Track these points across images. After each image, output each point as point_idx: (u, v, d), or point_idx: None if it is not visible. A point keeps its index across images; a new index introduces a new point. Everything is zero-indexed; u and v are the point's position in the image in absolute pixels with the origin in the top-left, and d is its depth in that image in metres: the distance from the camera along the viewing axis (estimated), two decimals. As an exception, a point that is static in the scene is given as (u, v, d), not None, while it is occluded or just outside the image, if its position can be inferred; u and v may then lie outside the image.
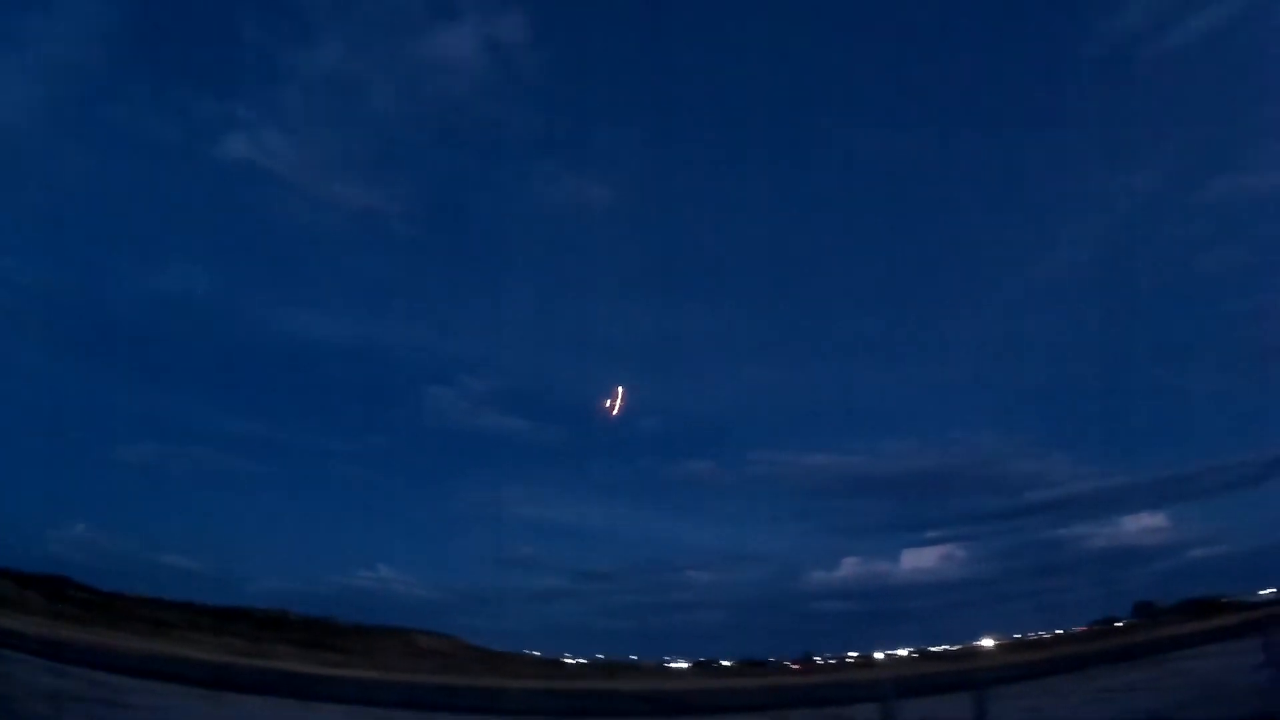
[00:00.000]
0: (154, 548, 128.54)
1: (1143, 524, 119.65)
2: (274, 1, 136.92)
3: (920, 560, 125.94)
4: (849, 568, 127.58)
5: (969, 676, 24.78)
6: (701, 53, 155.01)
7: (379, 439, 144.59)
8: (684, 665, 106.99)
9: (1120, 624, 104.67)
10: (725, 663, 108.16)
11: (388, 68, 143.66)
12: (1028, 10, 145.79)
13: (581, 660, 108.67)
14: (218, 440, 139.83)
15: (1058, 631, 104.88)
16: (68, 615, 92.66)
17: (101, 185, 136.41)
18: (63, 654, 48.15)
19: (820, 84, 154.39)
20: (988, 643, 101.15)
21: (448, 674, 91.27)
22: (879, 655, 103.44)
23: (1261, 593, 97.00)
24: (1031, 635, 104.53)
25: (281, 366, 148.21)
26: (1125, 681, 42.55)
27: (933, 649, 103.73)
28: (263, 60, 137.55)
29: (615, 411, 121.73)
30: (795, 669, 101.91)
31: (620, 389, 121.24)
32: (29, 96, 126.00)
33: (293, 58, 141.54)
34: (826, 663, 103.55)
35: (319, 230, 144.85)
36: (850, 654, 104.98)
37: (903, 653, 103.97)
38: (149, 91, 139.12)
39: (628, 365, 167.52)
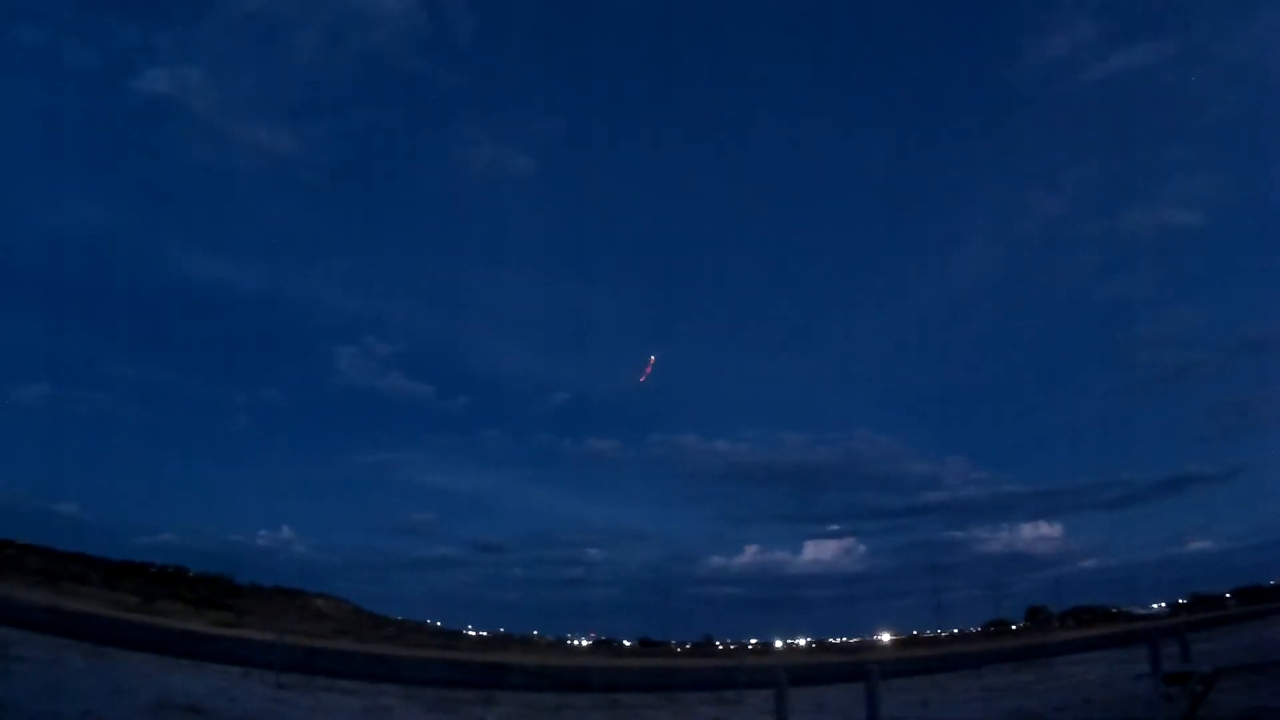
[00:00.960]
0: (46, 495, 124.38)
1: (1037, 532, 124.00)
2: None
3: (820, 552, 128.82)
4: (750, 555, 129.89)
5: (863, 668, 25.33)
6: (634, 31, 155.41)
7: (280, 394, 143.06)
8: (584, 642, 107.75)
9: (1014, 627, 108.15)
10: (626, 642, 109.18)
11: (315, 13, 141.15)
12: (962, 27, 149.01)
13: (483, 633, 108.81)
14: (116, 385, 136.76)
15: (953, 630, 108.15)
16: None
17: (7, 109, 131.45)
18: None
19: (749, 75, 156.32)
20: (884, 637, 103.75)
21: (344, 639, 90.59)
22: (778, 643, 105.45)
23: (1154, 605, 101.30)
24: (926, 633, 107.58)
25: (185, 312, 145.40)
26: (1012, 681, 43.91)
27: (830, 640, 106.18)
28: None
29: (643, 378, 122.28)
30: (693, 652, 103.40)
31: (653, 358, 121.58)
32: None
33: None
34: (726, 647, 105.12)
35: (231, 173, 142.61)
36: (750, 640, 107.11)
37: (800, 642, 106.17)
38: (72, 14, 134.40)
39: (536, 339, 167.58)
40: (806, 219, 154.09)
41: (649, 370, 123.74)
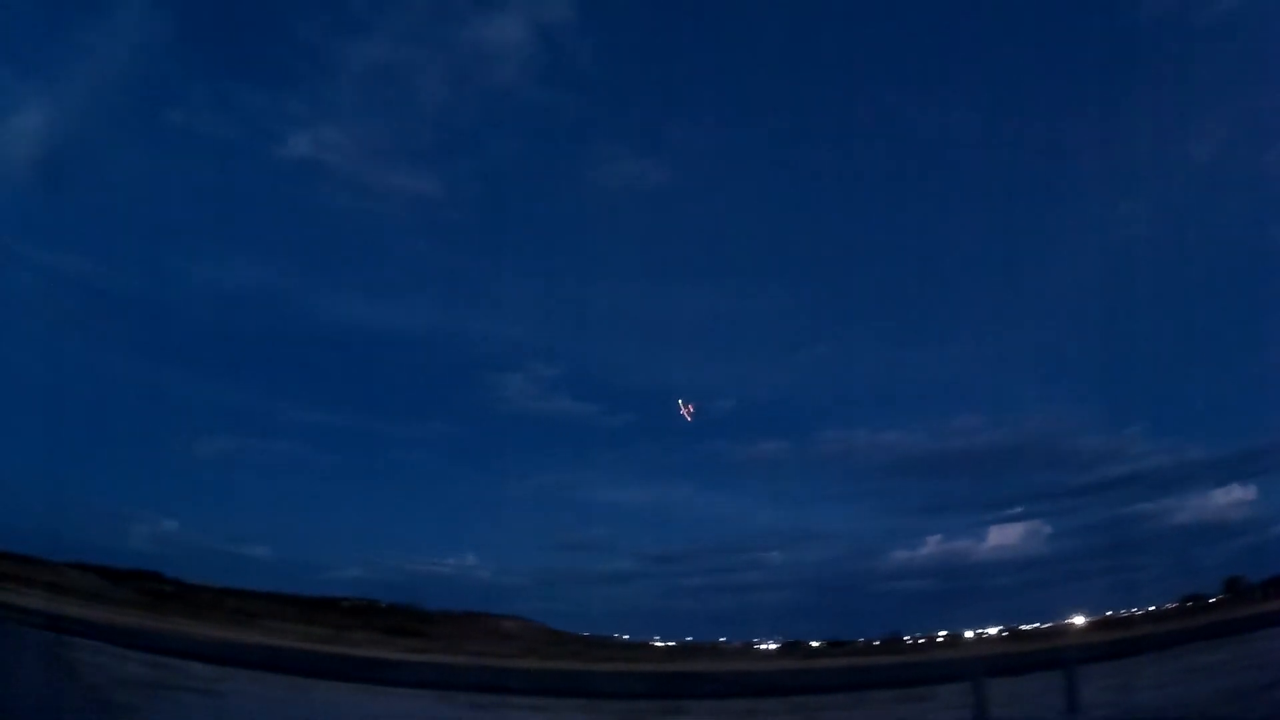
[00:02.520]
0: (238, 539, 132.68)
1: (1230, 497, 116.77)
2: None
3: (1004, 537, 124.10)
4: (932, 546, 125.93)
5: (1058, 655, 25.13)
6: (752, 30, 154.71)
7: (451, 426, 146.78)
8: (771, 646, 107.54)
9: (1211, 600, 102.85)
10: (813, 643, 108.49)
11: (436, 56, 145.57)
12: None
13: (669, 643, 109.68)
14: (292, 432, 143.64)
15: (1147, 608, 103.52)
16: (158, 608, 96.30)
17: (166, 187, 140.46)
18: (153, 645, 50.47)
19: (871, 63, 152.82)
20: (1076, 620, 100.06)
21: (532, 657, 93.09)
22: (968, 634, 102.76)
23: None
24: (1120, 613, 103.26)
25: (350, 357, 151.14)
26: (1213, 659, 42.29)
27: (1021, 627, 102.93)
28: (313, 55, 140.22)
29: (689, 416, 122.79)
30: (882, 649, 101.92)
31: (690, 405, 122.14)
32: (93, 106, 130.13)
33: (342, 50, 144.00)
34: (915, 642, 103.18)
35: (378, 220, 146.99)
36: (939, 633, 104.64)
37: (991, 631, 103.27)
38: (206, 93, 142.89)
39: (696, 347, 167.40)
40: (948, 197, 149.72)
41: (690, 410, 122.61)
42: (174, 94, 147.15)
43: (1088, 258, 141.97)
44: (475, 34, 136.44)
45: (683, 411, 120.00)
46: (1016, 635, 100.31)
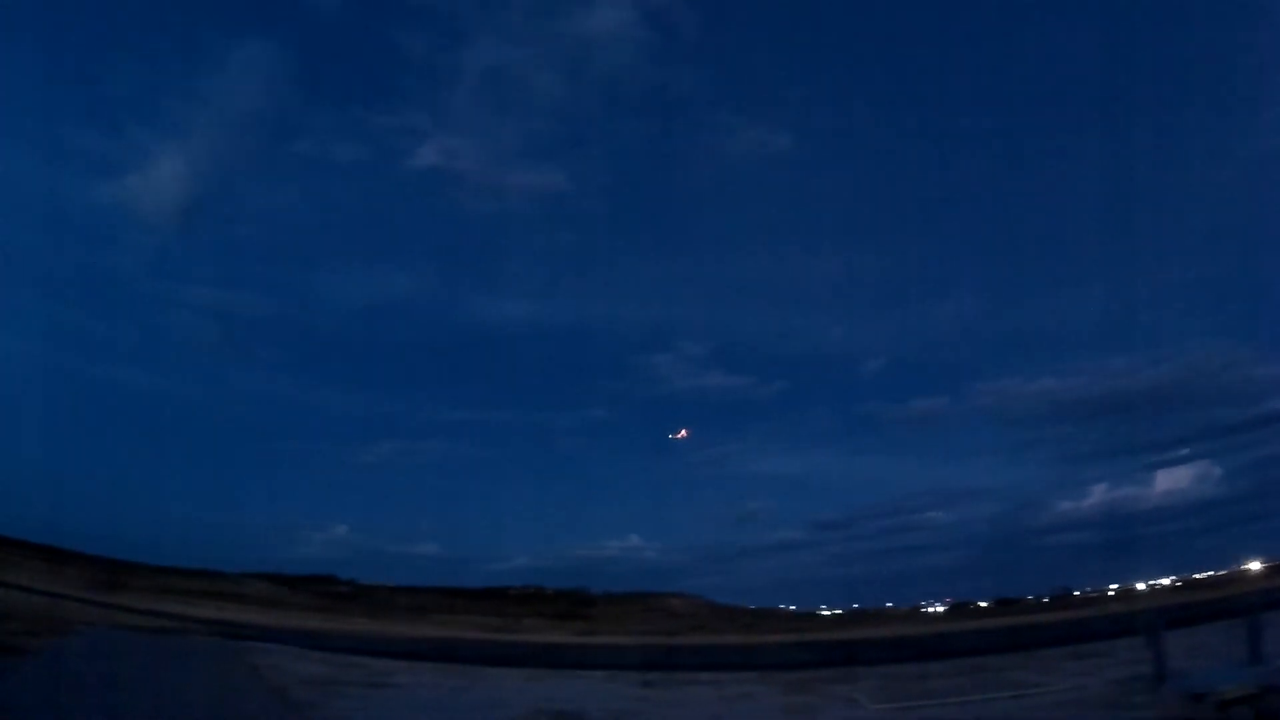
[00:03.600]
0: (406, 539, 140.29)
1: None
2: (424, 11, 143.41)
3: (1173, 481, 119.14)
4: (1097, 495, 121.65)
5: (1237, 603, 23.87)
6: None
7: (605, 411, 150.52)
8: (938, 609, 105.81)
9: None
10: (981, 603, 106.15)
11: (547, 51, 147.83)
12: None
13: (836, 611, 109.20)
14: (451, 431, 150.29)
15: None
16: (334, 609, 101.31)
17: (304, 214, 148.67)
18: (331, 644, 52.91)
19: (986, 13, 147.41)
20: (1254, 566, 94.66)
21: (699, 633, 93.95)
22: (1139, 586, 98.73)
23: None
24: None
25: (496, 354, 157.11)
26: None
27: (1196, 576, 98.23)
28: (428, 69, 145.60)
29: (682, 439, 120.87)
30: (1051, 605, 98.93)
31: (685, 431, 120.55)
32: (226, 149, 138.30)
33: (455, 60, 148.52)
34: (1085, 597, 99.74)
35: (512, 219, 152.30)
36: (1109, 586, 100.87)
37: (1164, 582, 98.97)
38: (331, 120, 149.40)
39: (841, 308, 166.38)
40: (1082, 135, 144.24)
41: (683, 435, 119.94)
42: (300, 126, 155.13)
43: (1232, 177, 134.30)
44: (582, 24, 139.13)
45: (678, 437, 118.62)
46: (1191, 585, 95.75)
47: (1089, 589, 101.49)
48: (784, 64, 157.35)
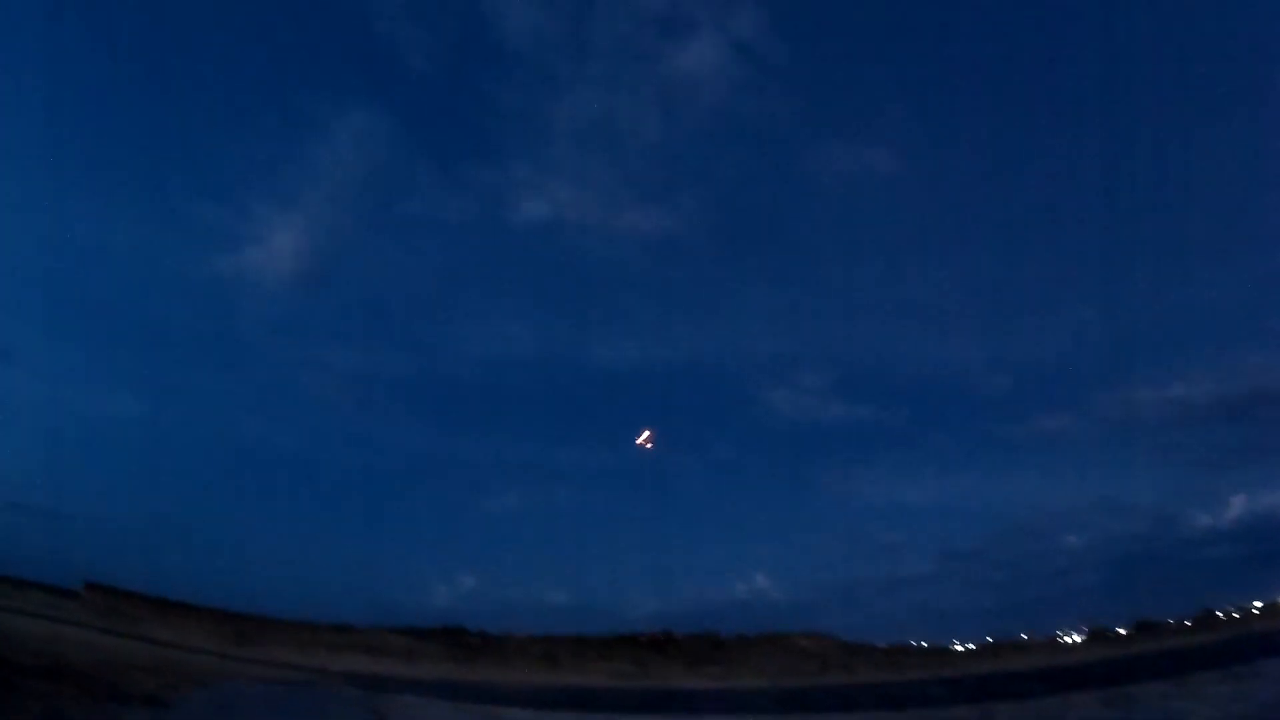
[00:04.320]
0: (536, 587, 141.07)
1: None
2: (517, 64, 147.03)
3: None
4: (1237, 506, 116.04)
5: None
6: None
7: (729, 448, 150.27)
8: (1076, 638, 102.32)
9: None
10: (1120, 629, 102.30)
11: (641, 94, 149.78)
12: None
13: (969, 645, 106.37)
14: (575, 478, 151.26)
15: None
16: (466, 659, 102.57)
17: (420, 270, 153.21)
18: (463, 693, 53.86)
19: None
20: None
21: (831, 673, 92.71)
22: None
23: None
24: None
25: (618, 398, 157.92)
26: None
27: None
28: (528, 120, 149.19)
29: (649, 445, 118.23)
30: (1195, 627, 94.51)
31: (648, 431, 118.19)
32: (339, 213, 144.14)
33: (552, 110, 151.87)
34: (1229, 616, 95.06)
35: (622, 262, 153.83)
36: (1254, 603, 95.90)
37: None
38: (437, 179, 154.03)
39: (959, 329, 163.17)
40: (1201, 129, 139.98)
41: (650, 440, 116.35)
42: (408, 186, 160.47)
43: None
44: (673, 64, 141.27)
45: (642, 441, 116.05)
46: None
47: (1232, 608, 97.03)
48: (878, 83, 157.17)
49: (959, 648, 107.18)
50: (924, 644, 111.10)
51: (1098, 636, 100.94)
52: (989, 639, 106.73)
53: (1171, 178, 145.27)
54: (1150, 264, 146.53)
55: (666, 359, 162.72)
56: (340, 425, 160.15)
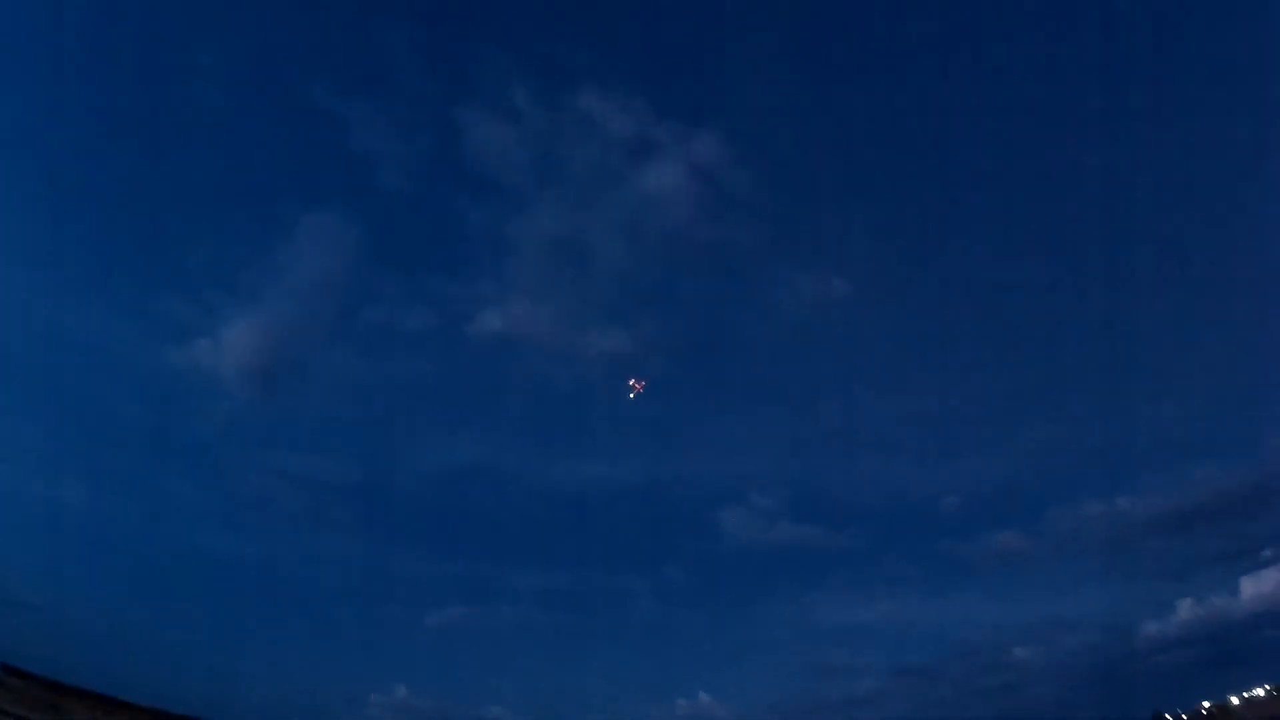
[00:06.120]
0: (473, 702, 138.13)
1: None
2: (484, 182, 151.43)
3: (1260, 586, 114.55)
4: (1184, 611, 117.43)
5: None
6: (905, 125, 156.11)
7: (677, 570, 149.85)
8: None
9: None
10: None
11: (604, 216, 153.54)
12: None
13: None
14: (519, 596, 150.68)
15: None
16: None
17: (374, 380, 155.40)
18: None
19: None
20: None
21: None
22: (1234, 700, 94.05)
23: None
24: None
25: (568, 517, 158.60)
26: None
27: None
28: (491, 238, 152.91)
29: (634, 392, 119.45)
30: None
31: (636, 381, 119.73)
32: (298, 316, 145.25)
33: (516, 229, 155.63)
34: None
35: (578, 383, 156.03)
36: (1203, 705, 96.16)
37: (1259, 692, 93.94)
38: (399, 288, 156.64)
39: (910, 451, 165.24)
40: (1144, 258, 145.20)
41: (638, 387, 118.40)
42: (369, 294, 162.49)
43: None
44: (636, 187, 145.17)
45: (633, 387, 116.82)
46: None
47: (1182, 712, 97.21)
48: (833, 210, 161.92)
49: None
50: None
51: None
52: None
53: (1112, 299, 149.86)
54: (1097, 385, 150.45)
55: (619, 479, 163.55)
56: (285, 529, 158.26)
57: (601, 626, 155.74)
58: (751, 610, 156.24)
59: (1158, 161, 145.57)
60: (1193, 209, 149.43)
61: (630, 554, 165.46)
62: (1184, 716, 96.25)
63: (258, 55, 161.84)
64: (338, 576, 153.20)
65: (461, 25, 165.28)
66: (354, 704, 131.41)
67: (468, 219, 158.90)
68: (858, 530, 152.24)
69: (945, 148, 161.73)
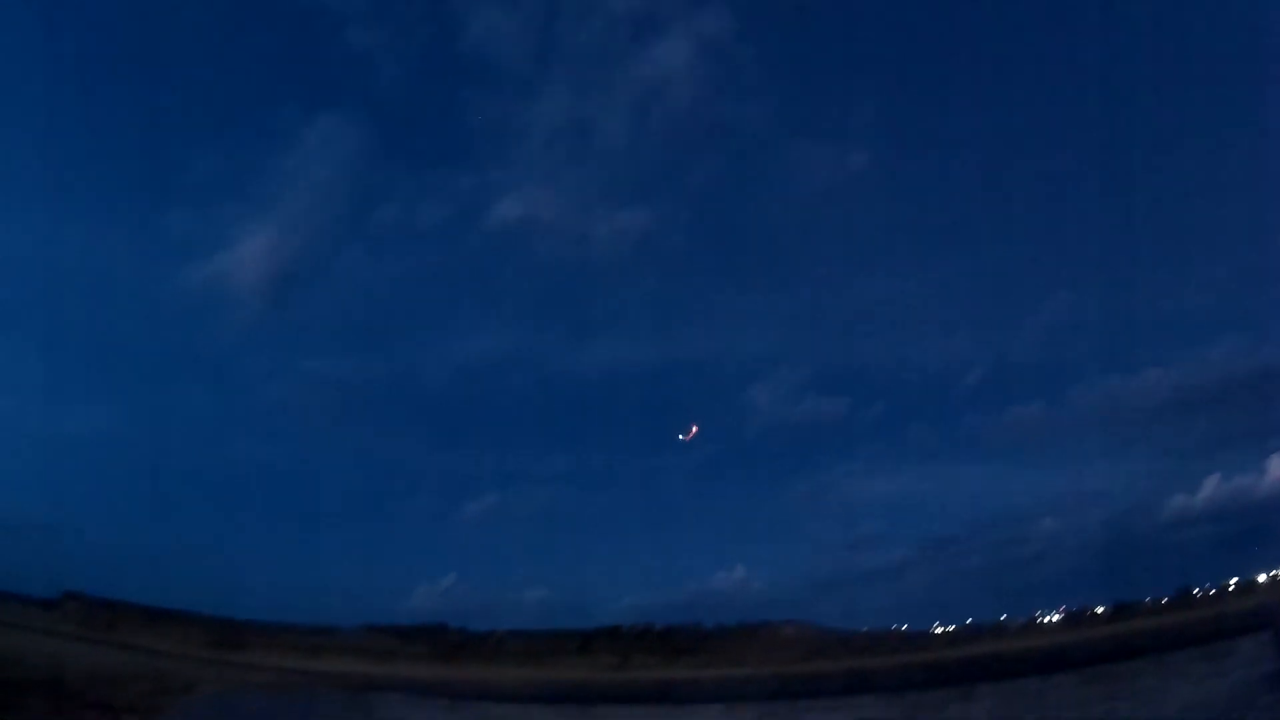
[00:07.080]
0: (515, 586, 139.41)
1: None
2: (486, 71, 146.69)
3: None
4: (1210, 487, 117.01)
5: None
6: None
7: (707, 447, 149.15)
8: (1055, 619, 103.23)
9: None
10: (1098, 610, 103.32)
11: (612, 96, 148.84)
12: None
13: (949, 628, 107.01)
14: (550, 480, 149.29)
15: None
16: (448, 657, 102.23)
17: (394, 277, 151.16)
18: (448, 691, 53.87)
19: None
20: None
21: (815, 661, 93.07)
22: (1261, 578, 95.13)
23: None
24: None
25: (596, 399, 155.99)
26: None
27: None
28: (502, 126, 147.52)
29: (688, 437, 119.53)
30: (1171, 607, 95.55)
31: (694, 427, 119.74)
32: (313, 221, 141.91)
33: (525, 115, 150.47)
34: (1206, 595, 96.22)
35: (598, 263, 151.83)
36: (1230, 582, 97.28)
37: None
38: (412, 185, 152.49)
39: (934, 322, 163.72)
40: (1176, 124, 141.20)
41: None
42: (381, 192, 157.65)
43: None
44: (642, 66, 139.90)
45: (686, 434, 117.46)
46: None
47: (1209, 586, 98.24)
48: (846, 81, 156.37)
49: (939, 631, 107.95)
50: (905, 629, 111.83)
51: (1076, 618, 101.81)
52: (969, 621, 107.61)
53: (1143, 174, 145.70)
54: (1123, 258, 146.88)
55: (642, 360, 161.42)
56: (313, 433, 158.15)
57: (637, 505, 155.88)
58: (782, 485, 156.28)
59: (1184, 27, 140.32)
60: (1223, 72, 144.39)
61: (662, 433, 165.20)
62: (1210, 593, 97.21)
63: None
64: (371, 475, 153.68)
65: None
66: (400, 596, 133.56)
67: (473, 109, 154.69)
68: (886, 403, 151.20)
69: (961, 10, 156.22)
